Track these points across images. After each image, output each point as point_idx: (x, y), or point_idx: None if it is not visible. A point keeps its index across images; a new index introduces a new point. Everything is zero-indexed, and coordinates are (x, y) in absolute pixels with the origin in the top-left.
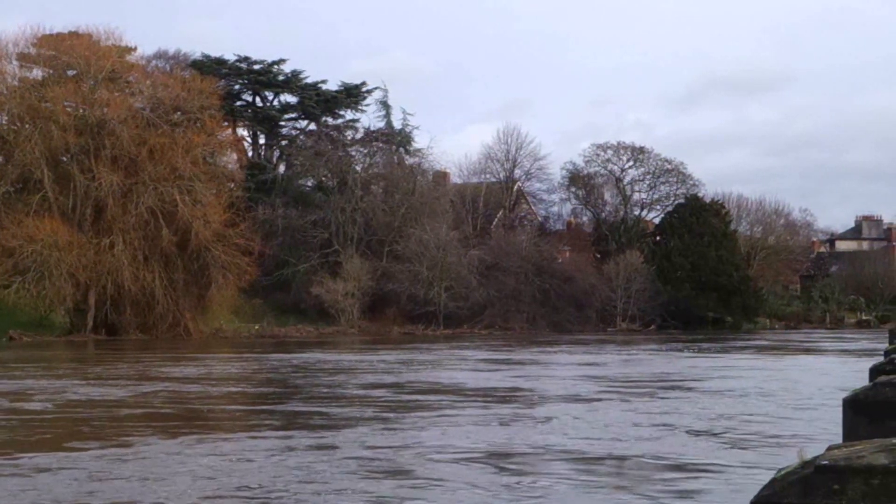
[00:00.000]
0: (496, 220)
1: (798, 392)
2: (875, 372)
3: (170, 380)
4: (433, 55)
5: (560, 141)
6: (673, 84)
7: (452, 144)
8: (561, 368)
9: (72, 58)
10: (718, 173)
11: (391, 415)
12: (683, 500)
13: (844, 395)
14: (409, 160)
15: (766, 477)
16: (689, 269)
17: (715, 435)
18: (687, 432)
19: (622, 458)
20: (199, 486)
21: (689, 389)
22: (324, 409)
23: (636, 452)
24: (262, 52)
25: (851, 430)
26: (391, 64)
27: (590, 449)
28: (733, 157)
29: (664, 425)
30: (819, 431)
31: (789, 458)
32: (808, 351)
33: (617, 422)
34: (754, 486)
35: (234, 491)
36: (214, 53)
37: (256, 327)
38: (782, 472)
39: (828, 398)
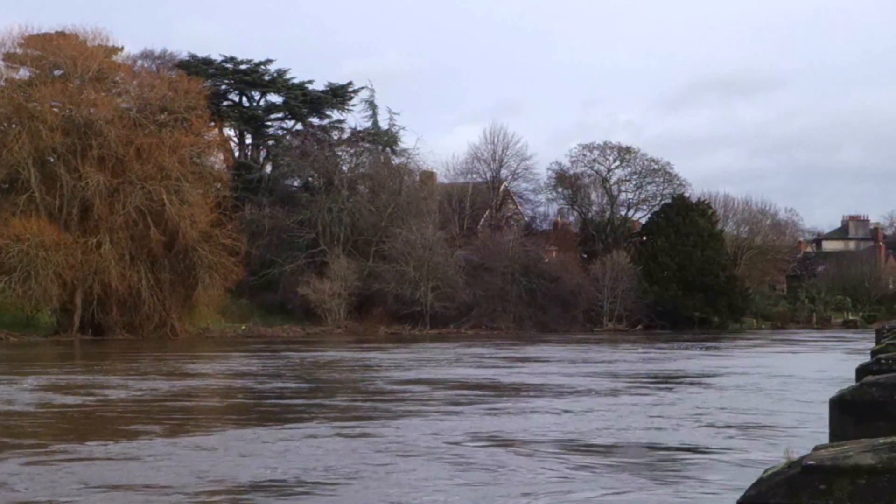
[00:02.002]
0: (483, 220)
1: (800, 388)
2: (862, 372)
3: (204, 376)
4: (425, 56)
5: (551, 141)
6: (664, 85)
7: (443, 145)
8: (577, 366)
9: (59, 58)
10: (708, 173)
11: (434, 408)
12: (692, 481)
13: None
14: (396, 160)
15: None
16: (675, 269)
17: (727, 426)
18: (704, 424)
19: (647, 446)
20: (287, 464)
21: (707, 386)
22: (372, 403)
23: (657, 440)
24: (254, 53)
25: (838, 430)
26: (383, 64)
27: (619, 437)
28: (723, 157)
29: (683, 417)
30: (816, 423)
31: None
32: (811, 350)
33: (644, 413)
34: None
35: (322, 470)
36: (208, 54)
37: (243, 327)
38: (769, 472)
39: (826, 394)
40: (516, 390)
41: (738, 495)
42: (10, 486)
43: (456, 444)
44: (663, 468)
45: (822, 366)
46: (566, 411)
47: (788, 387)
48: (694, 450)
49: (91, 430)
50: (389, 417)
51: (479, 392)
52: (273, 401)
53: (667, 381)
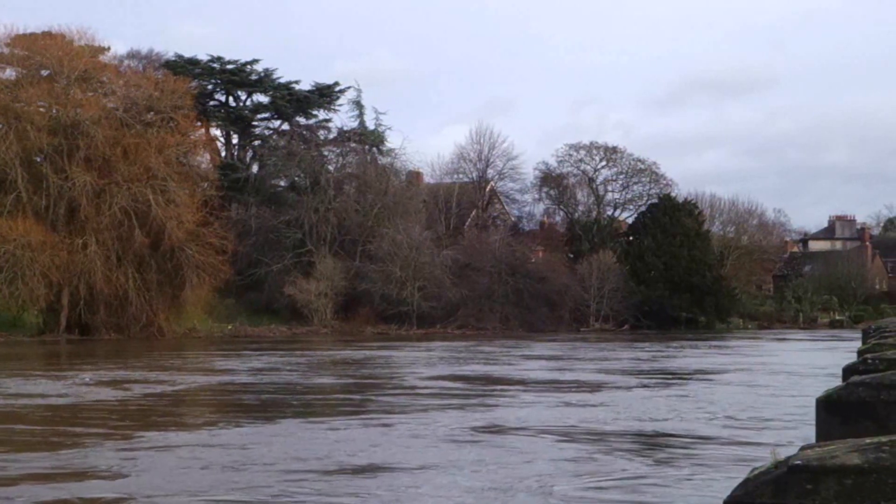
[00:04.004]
0: (469, 219)
1: (802, 384)
2: (848, 372)
3: (233, 372)
4: (416, 56)
5: (542, 141)
6: (655, 85)
7: (434, 144)
8: (588, 363)
9: (45, 58)
10: (697, 173)
11: (472, 401)
12: (699, 467)
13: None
14: (382, 160)
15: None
16: (662, 268)
17: (732, 418)
18: (710, 416)
19: (657, 434)
20: (364, 449)
21: (714, 382)
22: (413, 398)
23: (666, 430)
24: (246, 53)
25: (825, 430)
26: (374, 65)
27: (639, 426)
28: (712, 157)
29: (692, 409)
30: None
31: (785, 438)
32: (813, 349)
33: (655, 406)
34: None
35: (393, 454)
36: (195, 54)
37: (230, 327)
38: (755, 472)
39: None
40: (538, 385)
41: (737, 478)
42: (125, 472)
43: (498, 433)
44: (671, 454)
45: (825, 363)
46: (587, 405)
47: (792, 383)
48: (701, 439)
49: (162, 421)
50: (435, 410)
51: (506, 387)
52: (322, 395)
53: (675, 376)
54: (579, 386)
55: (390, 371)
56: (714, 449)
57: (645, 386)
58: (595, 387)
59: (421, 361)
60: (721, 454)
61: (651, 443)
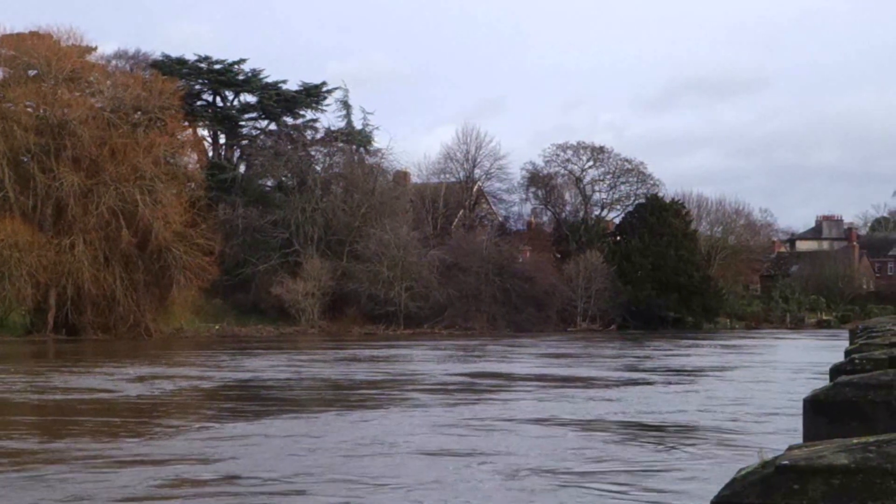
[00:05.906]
0: (456, 219)
1: (803, 380)
2: (836, 372)
3: (256, 369)
4: (408, 57)
5: (533, 142)
6: (647, 86)
7: (427, 144)
8: (598, 360)
9: (33, 58)
10: (687, 174)
11: (503, 396)
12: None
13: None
14: (369, 160)
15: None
16: (649, 268)
17: (740, 412)
18: (719, 411)
19: (666, 425)
20: (426, 435)
21: (721, 379)
22: (448, 394)
23: (674, 422)
24: (237, 54)
25: (812, 431)
26: (366, 65)
27: (648, 419)
28: (702, 157)
29: (701, 403)
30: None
31: (780, 428)
32: (816, 347)
33: (664, 400)
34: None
35: (439, 441)
36: (182, 54)
37: (217, 327)
38: (742, 472)
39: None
40: (559, 382)
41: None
42: (214, 457)
43: (535, 423)
44: (679, 443)
45: (823, 361)
46: (604, 399)
47: (791, 380)
48: (703, 430)
49: (220, 414)
50: (470, 403)
51: (529, 383)
52: (363, 391)
53: (683, 373)
54: (594, 382)
55: (415, 368)
56: (714, 440)
57: (655, 382)
58: (610, 383)
59: (437, 360)
60: (720, 444)
61: (663, 433)
